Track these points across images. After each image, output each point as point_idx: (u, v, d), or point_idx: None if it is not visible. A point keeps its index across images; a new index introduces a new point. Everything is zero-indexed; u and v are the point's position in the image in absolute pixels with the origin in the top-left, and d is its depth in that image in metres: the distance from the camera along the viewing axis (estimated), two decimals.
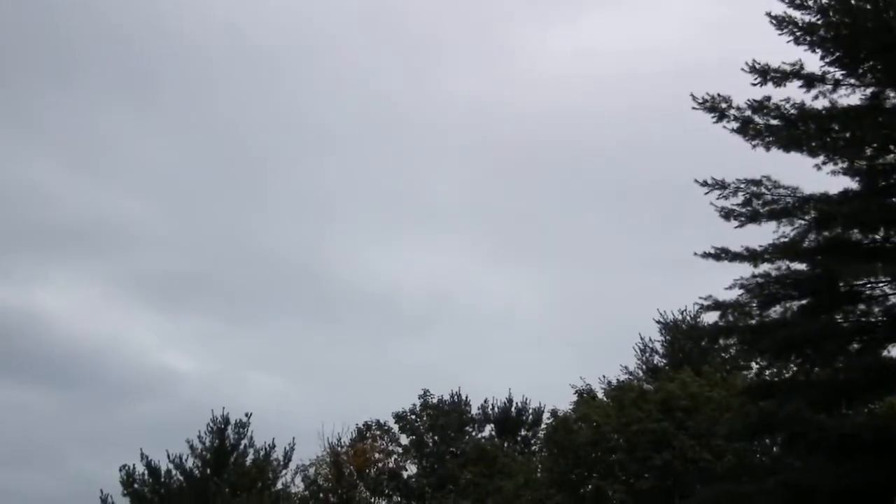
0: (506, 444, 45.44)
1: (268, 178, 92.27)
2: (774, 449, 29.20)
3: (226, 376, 79.00)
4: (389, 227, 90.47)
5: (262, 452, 40.74)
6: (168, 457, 38.32)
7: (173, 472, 38.03)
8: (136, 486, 37.24)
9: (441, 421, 45.81)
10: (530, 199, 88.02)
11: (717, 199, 23.22)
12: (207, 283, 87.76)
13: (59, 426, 75.98)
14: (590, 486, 32.18)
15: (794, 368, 24.77)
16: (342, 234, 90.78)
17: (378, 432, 47.26)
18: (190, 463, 38.44)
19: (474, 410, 47.76)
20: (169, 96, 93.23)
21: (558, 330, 77.53)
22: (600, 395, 37.03)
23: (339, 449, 46.14)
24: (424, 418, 46.56)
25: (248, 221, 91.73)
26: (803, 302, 23.05)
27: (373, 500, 45.86)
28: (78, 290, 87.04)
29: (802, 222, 22.83)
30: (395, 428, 47.11)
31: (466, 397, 47.61)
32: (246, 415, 40.72)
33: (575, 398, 37.40)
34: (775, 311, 23.28)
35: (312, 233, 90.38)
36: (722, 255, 23.10)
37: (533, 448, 45.16)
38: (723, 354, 34.90)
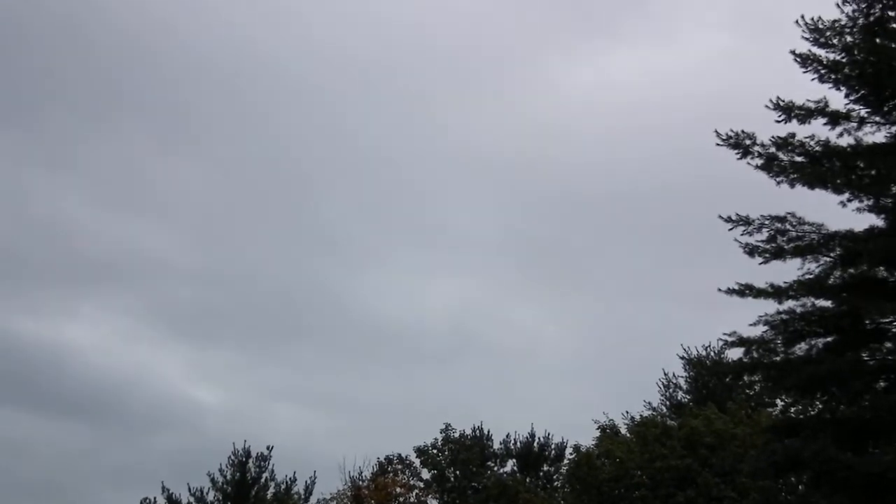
0: (528, 480, 45.33)
1: (296, 211, 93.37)
2: (800, 487, 29.02)
3: (250, 409, 79.09)
4: (415, 259, 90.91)
5: (283, 486, 41.06)
6: (189, 490, 38.83)
7: None
8: None
9: (463, 455, 45.70)
10: (556, 235, 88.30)
11: (742, 235, 23.30)
12: (234, 315, 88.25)
13: (85, 460, 76.40)
14: None
15: (820, 406, 24.81)
16: (367, 267, 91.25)
17: (399, 466, 47.21)
18: (211, 496, 38.96)
19: (496, 445, 47.76)
20: (198, 129, 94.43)
21: (582, 364, 77.39)
22: (623, 430, 36.84)
23: (361, 483, 46.04)
24: (446, 453, 46.45)
25: (274, 255, 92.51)
26: (829, 339, 23.01)
27: None
28: (106, 324, 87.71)
29: (828, 259, 22.83)
30: (417, 462, 47.11)
31: (488, 432, 47.77)
32: (267, 448, 41.27)
33: (598, 434, 37.35)
34: (800, 349, 23.30)
35: (338, 266, 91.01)
36: (746, 291, 23.10)
37: (555, 484, 45.05)
38: (747, 391, 34.84)
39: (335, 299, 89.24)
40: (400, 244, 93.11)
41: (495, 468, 46.88)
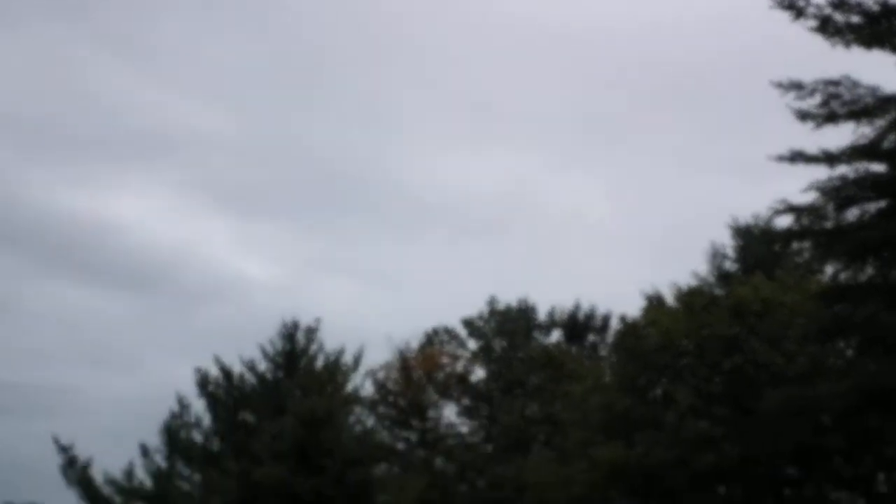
0: (574, 350, 45.96)
1: (345, 82, 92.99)
2: (848, 352, 29.10)
3: (297, 282, 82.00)
4: (465, 130, 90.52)
5: (331, 357, 41.85)
6: (241, 360, 39.45)
7: (246, 375, 39.06)
8: (210, 388, 38.37)
9: (509, 326, 46.36)
10: (606, 106, 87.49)
11: (794, 100, 22.99)
12: (280, 188, 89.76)
13: (136, 330, 79.12)
14: (658, 391, 32.21)
15: (871, 271, 24.59)
16: (412, 140, 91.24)
17: (446, 337, 47.96)
18: (262, 366, 39.42)
19: (541, 316, 48.36)
20: (240, 6, 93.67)
21: (630, 236, 78.07)
22: (670, 301, 36.65)
23: (408, 354, 46.81)
24: (492, 324, 47.10)
25: (319, 128, 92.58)
26: (881, 204, 22.85)
27: (441, 402, 46.56)
28: (155, 197, 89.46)
29: (882, 123, 22.45)
30: (464, 333, 47.85)
31: (534, 303, 48.26)
32: (316, 320, 41.90)
33: (644, 304, 37.46)
34: (852, 214, 23.22)
35: (383, 138, 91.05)
36: (798, 157, 22.88)
37: (601, 353, 45.54)
38: (796, 259, 34.64)
39: (384, 171, 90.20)
40: (449, 115, 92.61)
41: (541, 339, 47.57)
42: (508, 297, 47.77)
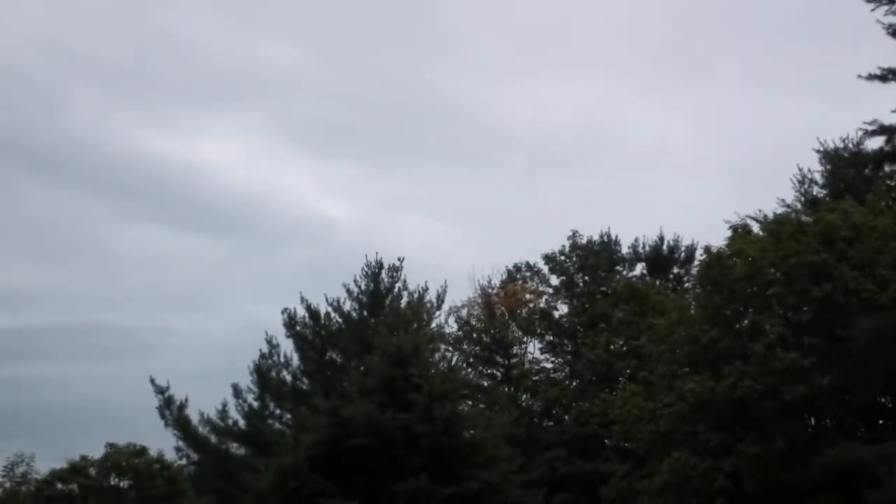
0: (658, 283, 45.70)
1: (418, 19, 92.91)
2: None
3: (376, 221, 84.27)
4: (540, 60, 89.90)
5: (415, 295, 40.91)
6: (326, 300, 39.21)
7: (332, 314, 38.95)
8: (297, 328, 38.29)
9: (591, 261, 46.18)
10: (683, 31, 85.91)
11: (885, 14, 22.12)
12: (359, 129, 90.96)
13: (223, 272, 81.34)
14: (745, 322, 31.68)
15: None
16: (488, 73, 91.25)
17: (528, 274, 48.21)
18: (347, 306, 39.21)
19: (624, 250, 48.14)
20: None
21: (714, 164, 77.70)
22: (756, 230, 36.10)
23: (490, 290, 47.38)
24: (574, 259, 47.00)
25: (397, 65, 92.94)
26: None
27: (525, 339, 47.07)
28: (238, 140, 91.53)
29: None
30: (545, 269, 47.93)
31: (616, 237, 48.27)
32: (399, 259, 41.00)
33: (729, 234, 36.82)
34: None
35: (461, 73, 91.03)
36: (889, 75, 22.04)
37: (686, 286, 45.05)
38: (888, 182, 33.59)
39: (458, 108, 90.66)
40: (527, 45, 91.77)
41: (624, 272, 47.31)
42: (590, 231, 47.91)
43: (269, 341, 37.56)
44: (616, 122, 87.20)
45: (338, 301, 39.34)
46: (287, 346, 37.94)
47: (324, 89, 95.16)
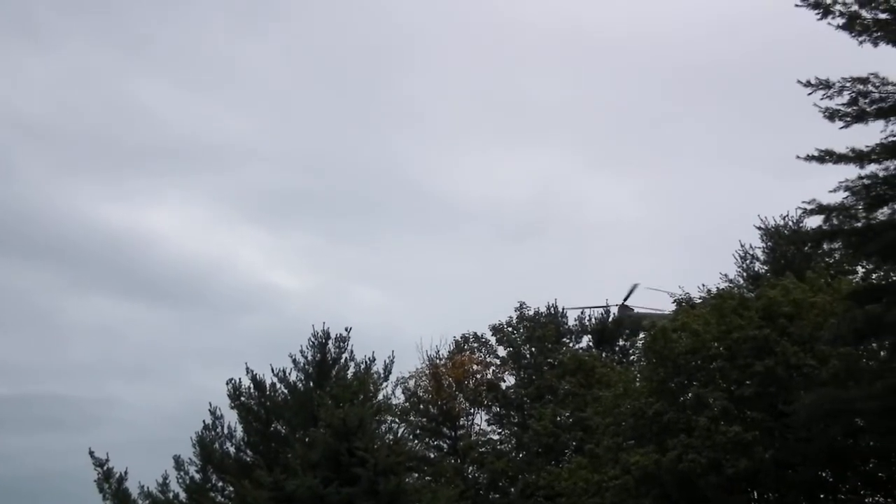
0: (604, 355, 45.87)
1: (372, 92, 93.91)
2: (882, 353, 28.70)
3: (327, 292, 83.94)
4: (495, 135, 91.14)
5: (362, 366, 40.55)
6: (272, 370, 38.87)
7: (278, 385, 38.61)
8: (242, 398, 38.01)
9: (538, 332, 46.20)
10: (635, 101, 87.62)
11: (822, 99, 22.81)
12: (311, 199, 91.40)
13: (173, 341, 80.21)
14: (690, 395, 31.94)
15: None
16: (443, 145, 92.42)
17: (476, 344, 48.01)
18: (293, 376, 38.83)
19: (571, 322, 48.39)
20: (276, 9, 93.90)
21: (658, 238, 79.01)
22: (699, 304, 36.48)
23: (438, 361, 47.10)
24: (521, 330, 46.99)
25: (348, 137, 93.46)
26: None
27: (472, 410, 46.69)
28: (190, 210, 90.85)
29: None
30: (493, 340, 47.87)
31: (563, 309, 48.37)
32: (346, 329, 40.70)
33: (674, 307, 37.09)
34: (883, 213, 22.97)
35: (414, 144, 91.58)
36: (827, 157, 22.63)
37: (631, 358, 45.28)
38: (827, 259, 34.18)
39: (414, 179, 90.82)
40: (479, 117, 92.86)
41: (571, 344, 47.38)
42: (539, 302, 48.07)
43: (212, 412, 37.09)
44: (570, 194, 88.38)
45: (284, 371, 38.88)
46: (231, 418, 37.54)
47: (279, 159, 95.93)
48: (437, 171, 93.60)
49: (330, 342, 40.09)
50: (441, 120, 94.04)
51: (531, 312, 47.34)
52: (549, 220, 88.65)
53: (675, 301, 37.63)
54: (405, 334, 67.70)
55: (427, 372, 46.59)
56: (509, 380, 47.02)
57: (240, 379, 38.12)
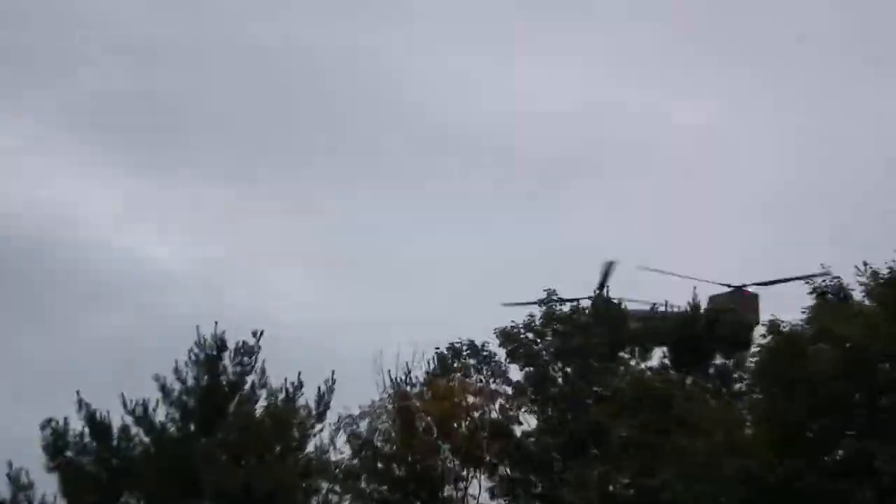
0: (688, 378, 45.20)
1: None
2: None
3: (228, 273, 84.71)
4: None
5: (280, 395, 41.20)
6: (124, 404, 39.12)
7: (133, 429, 39.03)
8: (69, 453, 38.15)
9: (577, 341, 44.72)
10: None
11: None
12: (207, 120, 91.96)
13: None
14: (840, 452, 32.23)
15: None
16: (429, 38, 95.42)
17: (473, 361, 46.99)
18: (161, 414, 39.36)
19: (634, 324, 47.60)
20: None
21: (773, 189, 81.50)
22: (859, 295, 35.43)
23: (409, 388, 46.57)
24: (549, 336, 45.81)
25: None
26: None
27: (465, 472, 45.78)
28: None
29: None
30: (501, 354, 46.75)
31: (620, 301, 47.81)
32: (255, 334, 41.59)
33: (811, 300, 36.11)
34: None
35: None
36: None
37: (737, 386, 44.58)
38: None
39: (379, 90, 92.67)
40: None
41: (633, 361, 46.51)
42: (575, 291, 47.90)
43: (13, 480, 37.66)
44: (613, 120, 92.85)
45: (145, 405, 39.48)
46: (49, 487, 38.07)
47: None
48: (420, 80, 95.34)
49: (226, 356, 40.95)
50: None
51: (566, 308, 46.44)
52: (585, 161, 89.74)
53: (813, 290, 36.26)
54: (356, 343, 65.30)
55: (391, 406, 45.94)
56: (528, 421, 45.91)
57: (66, 420, 38.43)
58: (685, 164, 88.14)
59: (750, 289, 51.02)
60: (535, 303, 47.06)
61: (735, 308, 48.51)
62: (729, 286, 51.15)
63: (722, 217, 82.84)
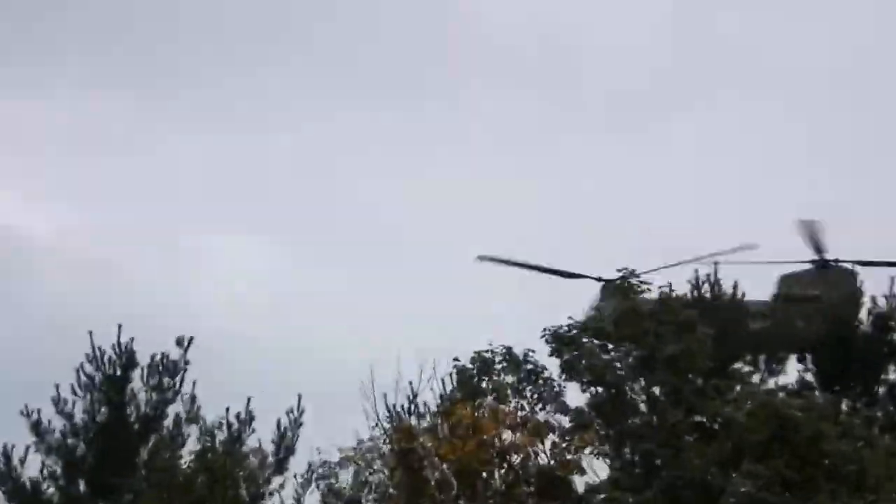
0: (843, 403, 44.44)
1: None
2: None
3: (136, 243, 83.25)
4: None
5: (220, 434, 41.67)
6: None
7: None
8: None
9: (673, 346, 40.94)
10: None
11: None
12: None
13: None
14: None
15: None
16: None
17: (511, 378, 44.88)
18: (32, 469, 39.72)
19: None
20: None
21: None
22: None
23: (415, 422, 45.65)
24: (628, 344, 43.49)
25: None
26: None
27: None
28: None
29: None
30: (553, 366, 44.16)
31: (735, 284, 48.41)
32: (179, 343, 43.08)
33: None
34: None
35: None
36: None
37: None
38: None
39: None
40: None
41: (756, 376, 45.74)
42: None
43: None
44: None
45: (5, 455, 40.05)
46: None
47: None
48: None
49: (134, 373, 42.12)
50: None
51: (652, 290, 43.50)
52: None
53: None
54: (333, 352, 64.04)
55: (387, 449, 44.81)
56: (595, 468, 42.40)
57: None
58: None
59: None
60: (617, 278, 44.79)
61: None
62: None
63: None
